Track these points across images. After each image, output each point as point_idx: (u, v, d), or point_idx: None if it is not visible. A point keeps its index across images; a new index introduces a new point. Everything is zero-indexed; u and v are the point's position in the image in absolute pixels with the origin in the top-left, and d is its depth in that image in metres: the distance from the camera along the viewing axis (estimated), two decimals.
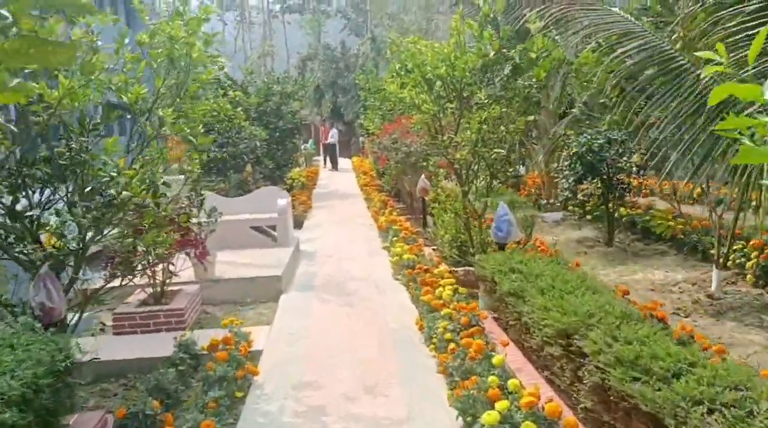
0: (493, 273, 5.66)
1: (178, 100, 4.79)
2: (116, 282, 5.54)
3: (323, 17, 51.95)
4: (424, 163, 11.00)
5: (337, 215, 14.35)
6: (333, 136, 26.88)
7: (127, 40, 4.98)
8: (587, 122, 10.24)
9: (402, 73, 7.17)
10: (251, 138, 13.31)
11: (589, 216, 13.10)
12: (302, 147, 30.83)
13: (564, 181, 10.62)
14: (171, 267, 7.05)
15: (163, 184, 4.49)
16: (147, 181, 4.36)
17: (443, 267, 7.77)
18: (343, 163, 29.39)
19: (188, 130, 4.87)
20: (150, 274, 6.80)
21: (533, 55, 6.43)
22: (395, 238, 10.02)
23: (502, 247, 6.58)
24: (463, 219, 7.44)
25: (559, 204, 13.83)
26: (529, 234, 8.04)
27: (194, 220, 7.72)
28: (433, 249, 9.55)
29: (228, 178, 13.92)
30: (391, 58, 7.13)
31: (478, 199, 7.54)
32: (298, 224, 13.54)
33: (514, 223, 6.51)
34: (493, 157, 6.79)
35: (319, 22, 48.28)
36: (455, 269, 7.95)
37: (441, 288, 6.50)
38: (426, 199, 10.95)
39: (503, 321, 5.70)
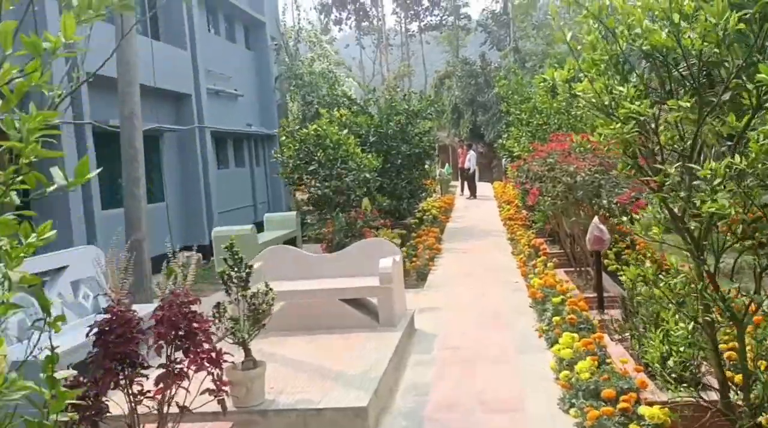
0: None
1: None
2: None
3: (462, 33, 49.13)
4: (600, 200, 7.45)
5: (473, 265, 11.01)
6: (471, 160, 23.58)
7: None
8: None
9: (578, 47, 3.82)
10: (360, 168, 10.40)
11: None
12: (438, 172, 27.88)
13: None
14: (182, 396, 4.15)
15: None
16: None
17: (656, 407, 4.22)
18: (483, 188, 25.98)
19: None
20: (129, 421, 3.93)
21: None
22: (558, 319, 6.53)
23: None
24: (706, 327, 3.86)
25: None
26: None
27: (229, 308, 4.82)
28: (619, 341, 5.93)
29: (336, 218, 11.10)
30: (556, 20, 3.76)
31: (741, 292, 3.95)
32: (422, 277, 10.39)
33: None
34: None
35: (457, 37, 45.44)
36: (675, 399, 4.38)
37: None
38: (601, 253, 7.35)
39: None
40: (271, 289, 5.06)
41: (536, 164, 8.54)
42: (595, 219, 7.29)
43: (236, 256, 4.98)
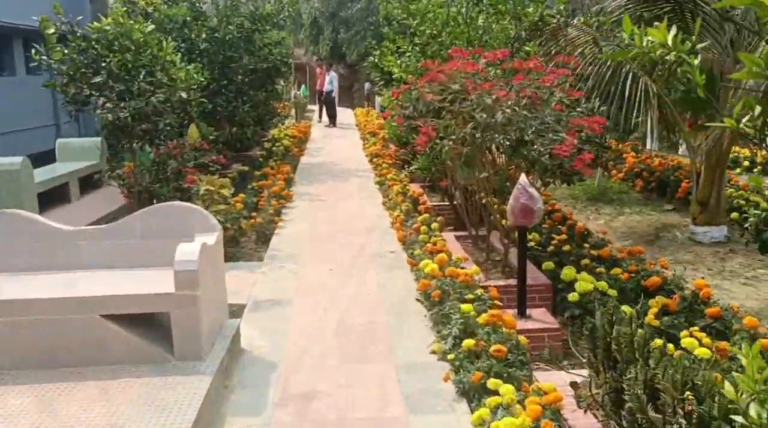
0: None
1: None
2: None
3: None
4: (526, 148, 5.02)
5: (334, 222, 8.31)
6: (332, 82, 20.50)
7: None
8: None
9: None
10: (174, 84, 7.14)
11: None
12: (293, 94, 24.54)
13: None
14: None
15: None
16: None
17: None
18: (344, 115, 23.15)
19: None
20: None
21: None
22: (471, 344, 4.05)
23: None
24: None
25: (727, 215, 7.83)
26: None
27: None
28: (588, 407, 3.55)
29: (141, 155, 7.82)
30: None
31: None
32: (263, 240, 7.57)
33: None
34: None
35: None
36: None
37: None
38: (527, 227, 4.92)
39: None
40: None
41: (430, 91, 5.87)
42: (522, 178, 4.81)
43: None
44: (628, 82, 7.79)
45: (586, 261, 6.08)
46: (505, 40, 7.51)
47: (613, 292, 5.14)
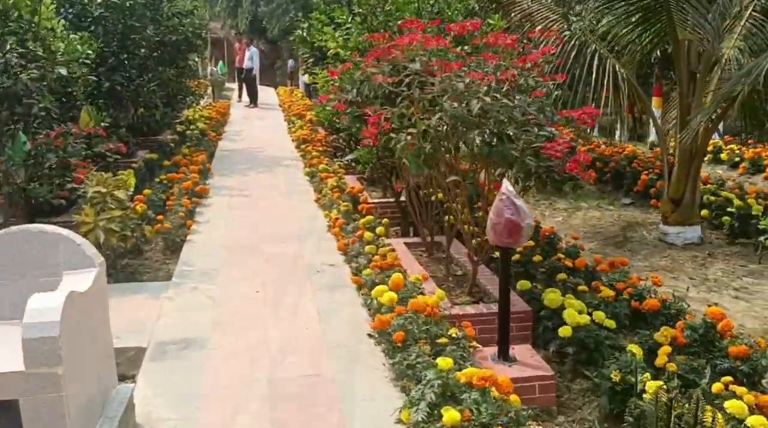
0: None
1: None
2: None
3: None
4: (510, 146, 3.99)
5: (259, 225, 7.03)
6: (253, 58, 18.87)
7: None
8: None
9: None
10: (52, 58, 5.65)
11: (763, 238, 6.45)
12: (208, 71, 22.72)
13: None
14: None
15: None
16: None
17: None
18: (265, 94, 21.55)
19: None
20: None
21: None
22: (455, 418, 2.97)
23: None
24: None
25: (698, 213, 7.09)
26: None
27: None
28: None
29: (15, 147, 6.27)
30: None
31: None
32: (173, 249, 6.25)
33: None
34: None
35: None
36: None
37: None
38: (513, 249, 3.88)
39: None
40: None
41: (378, 71, 4.70)
42: (506, 186, 3.74)
43: None
44: (595, 64, 6.97)
45: (562, 275, 5.16)
46: (465, 12, 6.45)
47: (610, 323, 4.20)
